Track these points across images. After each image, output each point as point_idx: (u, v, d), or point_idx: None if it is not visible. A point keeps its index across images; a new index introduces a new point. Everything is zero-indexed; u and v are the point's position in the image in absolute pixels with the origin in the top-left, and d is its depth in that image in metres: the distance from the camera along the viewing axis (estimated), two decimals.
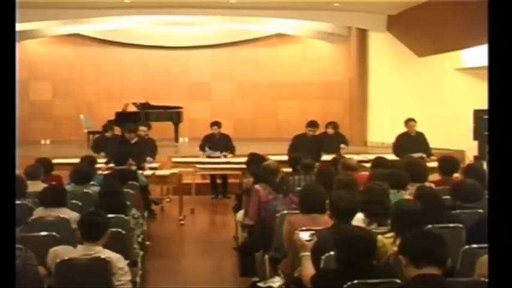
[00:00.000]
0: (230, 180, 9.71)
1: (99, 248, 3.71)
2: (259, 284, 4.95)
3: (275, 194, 5.43)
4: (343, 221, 3.84)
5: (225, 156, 9.49)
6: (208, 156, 9.53)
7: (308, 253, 3.55)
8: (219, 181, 9.93)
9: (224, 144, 9.77)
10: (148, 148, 8.76)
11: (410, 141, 9.07)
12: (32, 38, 14.26)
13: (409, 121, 9.23)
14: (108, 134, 10.12)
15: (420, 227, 3.50)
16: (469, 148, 10.67)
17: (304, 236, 3.59)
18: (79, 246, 3.74)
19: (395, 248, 3.47)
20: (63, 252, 3.68)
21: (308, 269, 3.49)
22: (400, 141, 9.22)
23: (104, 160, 8.16)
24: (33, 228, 4.38)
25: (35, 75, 15.00)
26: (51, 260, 3.67)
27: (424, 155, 8.74)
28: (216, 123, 9.88)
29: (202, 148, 9.73)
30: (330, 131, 10.06)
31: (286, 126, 10.77)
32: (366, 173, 6.36)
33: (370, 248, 3.15)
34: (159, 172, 8.33)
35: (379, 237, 3.58)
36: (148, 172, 8.07)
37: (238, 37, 15.43)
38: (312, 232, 3.62)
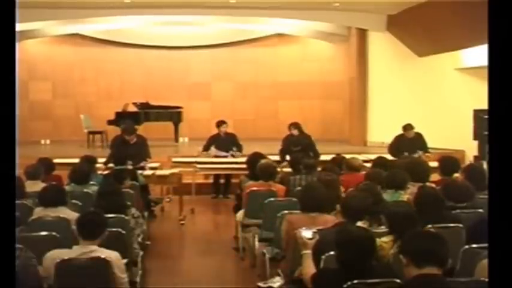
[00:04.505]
0: (232, 180, 9.70)
1: (95, 246, 3.72)
2: (260, 284, 4.96)
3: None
4: (351, 220, 3.84)
5: (233, 156, 9.52)
6: (216, 156, 9.55)
7: (309, 251, 3.54)
8: (222, 181, 9.93)
9: (231, 143, 9.79)
10: (145, 149, 8.76)
11: (408, 143, 9.07)
12: (32, 38, 14.26)
13: (407, 128, 9.21)
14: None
15: (418, 229, 3.51)
16: (469, 148, 10.67)
17: (306, 234, 3.57)
18: (74, 247, 3.75)
19: (393, 251, 3.48)
20: (60, 255, 3.68)
21: (309, 268, 3.48)
22: (397, 142, 9.24)
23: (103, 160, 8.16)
24: (33, 228, 4.38)
25: (35, 75, 15.00)
26: (49, 264, 3.66)
27: (421, 154, 8.76)
28: (224, 122, 9.90)
29: (206, 148, 9.73)
30: (295, 131, 9.93)
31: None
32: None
33: (370, 248, 3.16)
34: (159, 172, 8.33)
35: (377, 240, 3.58)
36: (148, 172, 8.08)
37: (238, 37, 15.43)
38: (314, 231, 3.61)
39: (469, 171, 5.62)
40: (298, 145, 8.87)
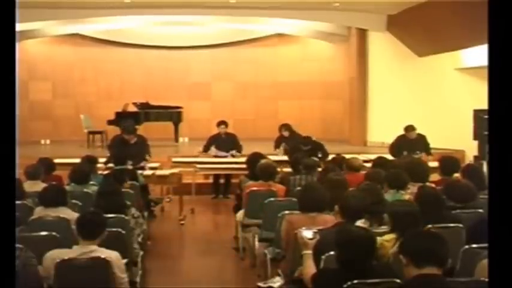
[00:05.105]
0: (232, 180, 9.71)
1: (95, 246, 3.72)
2: (260, 284, 4.97)
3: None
4: (350, 220, 3.85)
5: (233, 156, 9.52)
6: (216, 156, 9.56)
7: (310, 251, 3.55)
8: (221, 181, 9.93)
9: (231, 143, 9.79)
10: (145, 149, 8.77)
11: (409, 144, 9.02)
12: (32, 38, 14.26)
13: (408, 129, 9.17)
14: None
15: (420, 228, 3.51)
16: (469, 148, 10.66)
17: (307, 234, 3.58)
18: (74, 247, 3.75)
19: (394, 250, 3.47)
20: (60, 255, 3.68)
21: (310, 268, 3.49)
22: (398, 142, 9.20)
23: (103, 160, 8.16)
24: (33, 228, 4.38)
25: (35, 75, 15.00)
26: (49, 264, 3.67)
27: (422, 155, 8.74)
28: (223, 123, 9.90)
29: (206, 149, 9.72)
30: (285, 133, 9.96)
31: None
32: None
33: (370, 248, 3.16)
34: (159, 172, 8.33)
35: (378, 238, 3.58)
36: (148, 172, 8.08)
37: (238, 37, 15.43)
38: (315, 230, 3.62)
39: (467, 171, 5.62)
40: (308, 144, 8.88)
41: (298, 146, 8.94)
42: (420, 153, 8.82)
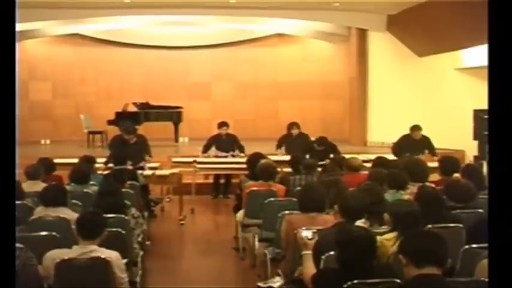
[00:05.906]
0: (232, 180, 9.71)
1: (94, 246, 3.72)
2: (260, 284, 4.97)
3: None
4: (350, 219, 3.86)
5: (233, 156, 9.53)
6: (216, 157, 9.56)
7: (310, 252, 3.56)
8: (222, 181, 9.93)
9: (231, 144, 9.79)
10: (146, 148, 8.78)
11: (413, 144, 8.99)
12: (32, 38, 14.26)
13: (414, 129, 9.12)
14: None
15: (420, 228, 3.51)
16: (469, 148, 10.67)
17: (307, 234, 3.59)
18: (74, 247, 3.75)
19: (395, 249, 3.48)
20: (60, 255, 3.68)
21: (309, 268, 3.49)
22: (402, 142, 9.17)
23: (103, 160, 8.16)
24: (33, 228, 4.38)
25: (35, 75, 15.00)
26: (49, 264, 3.67)
27: (427, 154, 8.72)
28: (225, 124, 9.88)
29: (205, 149, 9.71)
30: (295, 131, 9.96)
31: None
32: (366, 172, 6.36)
33: (370, 248, 3.16)
34: (159, 172, 8.33)
35: (378, 238, 3.58)
36: (148, 172, 8.08)
37: (238, 37, 15.43)
38: (314, 231, 3.63)
39: (467, 171, 5.62)
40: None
41: (312, 145, 8.94)
42: (424, 153, 8.78)
